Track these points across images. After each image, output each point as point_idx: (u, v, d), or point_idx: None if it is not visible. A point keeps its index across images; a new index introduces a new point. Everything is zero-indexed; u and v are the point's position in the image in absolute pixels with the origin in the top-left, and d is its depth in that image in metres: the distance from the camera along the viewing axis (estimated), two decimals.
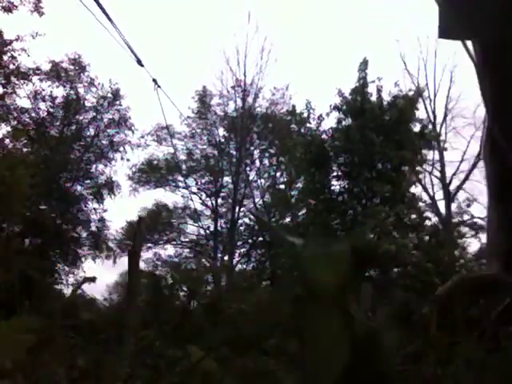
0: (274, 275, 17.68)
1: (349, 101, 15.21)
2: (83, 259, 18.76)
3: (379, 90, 15.24)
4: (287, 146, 18.98)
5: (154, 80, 6.58)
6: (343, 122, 15.31)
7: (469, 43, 1.71)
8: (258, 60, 22.66)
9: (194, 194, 22.42)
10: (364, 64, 15.35)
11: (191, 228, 22.51)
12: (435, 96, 21.82)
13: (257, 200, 21.87)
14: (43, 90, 18.65)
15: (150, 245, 21.40)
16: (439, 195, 20.98)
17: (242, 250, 21.13)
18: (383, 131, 14.53)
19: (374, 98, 15.21)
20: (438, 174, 21.18)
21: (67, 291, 17.01)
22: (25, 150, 17.21)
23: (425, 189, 20.39)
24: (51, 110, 19.07)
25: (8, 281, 11.07)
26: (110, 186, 19.77)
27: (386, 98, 15.31)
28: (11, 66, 15.79)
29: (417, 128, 15.55)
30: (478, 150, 18.35)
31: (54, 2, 23.77)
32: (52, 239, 17.24)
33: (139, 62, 5.88)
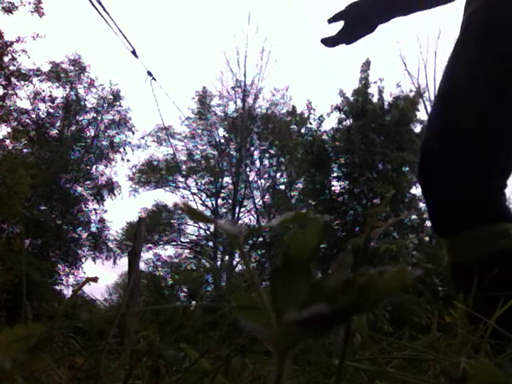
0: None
1: (350, 101, 15.24)
2: (83, 260, 18.77)
3: (380, 91, 15.27)
4: (287, 147, 19.02)
5: (149, 72, 6.56)
6: (344, 123, 15.33)
7: None
8: (258, 61, 22.69)
9: (194, 194, 22.44)
10: (366, 65, 15.38)
11: (191, 228, 22.53)
12: None
13: (257, 201, 21.89)
14: (43, 90, 18.70)
15: (149, 245, 21.40)
16: None
17: None
18: (384, 132, 14.56)
19: (375, 99, 15.24)
20: None
21: (67, 292, 17.03)
22: (25, 151, 17.25)
23: None
24: (51, 110, 19.10)
25: (9, 281, 11.10)
26: (110, 186, 19.80)
27: (388, 98, 15.35)
28: (11, 67, 15.82)
29: (417, 129, 15.57)
30: None
31: (55, 3, 23.82)
32: (52, 240, 17.26)
33: (134, 53, 5.87)
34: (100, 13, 5.20)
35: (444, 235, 1.35)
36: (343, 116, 15.36)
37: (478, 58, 1.33)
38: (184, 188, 22.73)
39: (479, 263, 1.18)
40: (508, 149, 1.31)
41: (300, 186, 18.90)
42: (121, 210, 46.29)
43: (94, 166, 19.74)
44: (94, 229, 19.47)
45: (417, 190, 18.05)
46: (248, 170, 21.85)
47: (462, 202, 1.30)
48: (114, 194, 19.92)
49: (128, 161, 20.79)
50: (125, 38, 5.93)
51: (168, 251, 22.86)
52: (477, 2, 1.40)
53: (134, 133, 20.61)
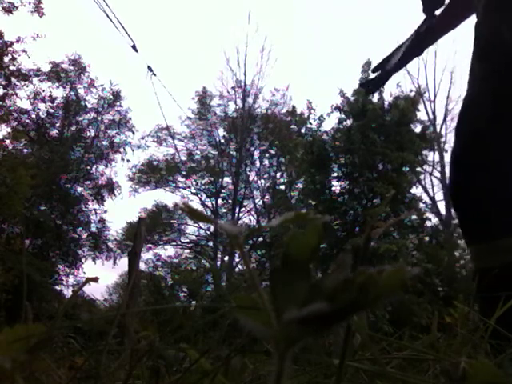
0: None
1: (350, 101, 15.24)
2: (83, 260, 18.76)
3: (381, 91, 15.26)
4: (287, 147, 19.02)
5: (149, 67, 6.56)
6: (344, 123, 15.33)
7: None
8: (259, 60, 22.74)
9: (194, 194, 22.44)
10: (367, 65, 15.38)
11: (191, 228, 22.53)
12: (435, 97, 21.85)
13: (257, 201, 21.89)
14: (43, 90, 18.69)
15: (149, 245, 21.40)
16: (439, 196, 21.00)
17: None
18: (384, 132, 14.55)
19: (375, 99, 15.24)
20: (438, 174, 21.20)
21: (67, 292, 17.03)
22: (25, 151, 17.25)
23: (425, 189, 20.38)
24: (51, 110, 19.09)
25: (9, 281, 11.10)
26: (110, 186, 19.79)
27: (388, 98, 15.36)
28: (11, 67, 15.82)
29: (418, 129, 15.58)
30: None
31: (55, 3, 23.84)
32: (52, 240, 17.25)
33: (134, 47, 5.88)
34: (101, 7, 5.21)
35: (471, 243, 1.38)
36: (343, 116, 15.36)
37: (487, 69, 1.37)
38: (184, 188, 22.74)
39: (499, 270, 1.20)
40: None
41: (300, 185, 18.90)
42: (121, 210, 46.30)
43: (94, 166, 19.74)
44: (93, 229, 19.46)
45: (417, 190, 18.06)
46: (248, 169, 21.85)
47: (489, 212, 1.33)
48: (114, 194, 19.91)
49: (128, 161, 20.79)
50: (125, 31, 5.94)
51: (168, 251, 22.87)
52: (479, 9, 1.42)
53: (134, 133, 20.62)
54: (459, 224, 1.45)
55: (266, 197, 21.76)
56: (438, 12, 1.67)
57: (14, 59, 15.66)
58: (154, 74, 6.75)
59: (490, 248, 1.28)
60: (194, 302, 14.57)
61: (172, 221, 22.36)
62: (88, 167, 19.51)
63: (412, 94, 16.09)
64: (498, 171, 1.32)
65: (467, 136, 1.40)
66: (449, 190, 1.46)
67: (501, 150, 1.33)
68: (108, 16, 5.48)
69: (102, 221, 19.71)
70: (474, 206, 1.35)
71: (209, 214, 22.32)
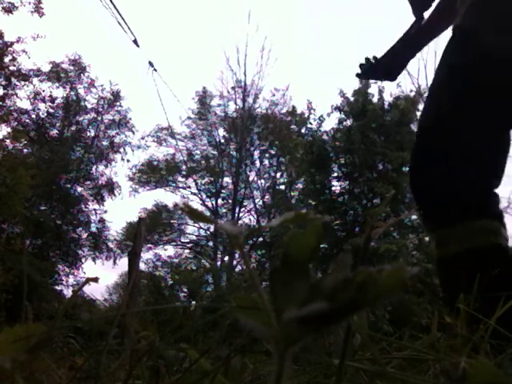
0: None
1: (350, 101, 15.24)
2: (83, 260, 18.76)
3: (381, 91, 15.27)
4: (287, 147, 19.03)
5: (150, 62, 6.56)
6: (344, 123, 15.34)
7: None
8: (259, 59, 22.73)
9: (194, 194, 22.45)
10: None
11: (191, 228, 22.53)
12: None
13: (257, 201, 21.89)
14: (43, 90, 18.70)
15: (149, 245, 21.40)
16: None
17: None
18: (384, 132, 14.55)
19: (375, 99, 15.25)
20: None
21: (67, 292, 17.03)
22: (25, 151, 17.25)
23: None
24: (51, 110, 19.10)
25: (9, 281, 11.10)
26: (110, 186, 19.80)
27: (388, 98, 15.36)
28: (12, 68, 15.83)
29: None
30: None
31: (55, 3, 23.83)
32: (52, 240, 17.25)
33: (135, 42, 5.89)
34: (104, 4, 5.22)
35: (431, 231, 1.38)
36: (343, 116, 15.36)
37: (461, 62, 1.40)
38: (184, 188, 22.74)
39: (456, 259, 1.21)
40: (494, 147, 1.35)
41: (300, 186, 18.90)
42: (121, 210, 46.29)
43: (94, 166, 19.74)
44: (94, 229, 19.46)
45: None
46: (248, 170, 21.85)
47: (447, 198, 1.33)
48: (114, 194, 19.92)
49: (128, 161, 20.80)
50: (127, 25, 5.96)
51: (168, 251, 22.86)
52: (460, 11, 1.45)
53: (134, 133, 20.63)
54: (419, 210, 1.44)
55: (266, 197, 21.75)
56: (426, 14, 1.69)
57: (14, 59, 15.67)
58: (155, 70, 6.76)
59: (454, 233, 1.27)
60: (193, 302, 14.56)
61: (172, 221, 22.35)
62: (88, 167, 19.51)
63: (412, 94, 16.08)
64: (458, 156, 1.33)
65: (429, 122, 1.42)
66: (410, 177, 1.46)
67: (461, 137, 1.35)
68: (109, 9, 5.49)
69: (102, 221, 19.72)
70: (435, 192, 1.35)
71: (209, 214, 22.33)
